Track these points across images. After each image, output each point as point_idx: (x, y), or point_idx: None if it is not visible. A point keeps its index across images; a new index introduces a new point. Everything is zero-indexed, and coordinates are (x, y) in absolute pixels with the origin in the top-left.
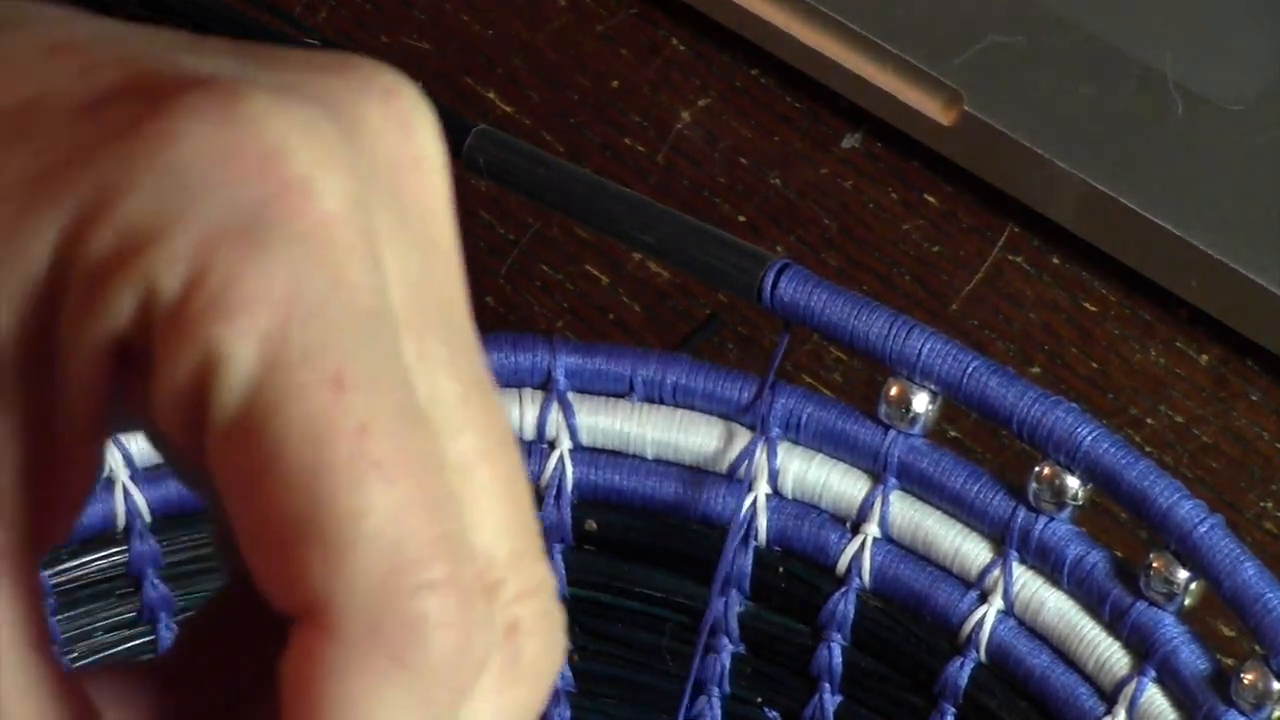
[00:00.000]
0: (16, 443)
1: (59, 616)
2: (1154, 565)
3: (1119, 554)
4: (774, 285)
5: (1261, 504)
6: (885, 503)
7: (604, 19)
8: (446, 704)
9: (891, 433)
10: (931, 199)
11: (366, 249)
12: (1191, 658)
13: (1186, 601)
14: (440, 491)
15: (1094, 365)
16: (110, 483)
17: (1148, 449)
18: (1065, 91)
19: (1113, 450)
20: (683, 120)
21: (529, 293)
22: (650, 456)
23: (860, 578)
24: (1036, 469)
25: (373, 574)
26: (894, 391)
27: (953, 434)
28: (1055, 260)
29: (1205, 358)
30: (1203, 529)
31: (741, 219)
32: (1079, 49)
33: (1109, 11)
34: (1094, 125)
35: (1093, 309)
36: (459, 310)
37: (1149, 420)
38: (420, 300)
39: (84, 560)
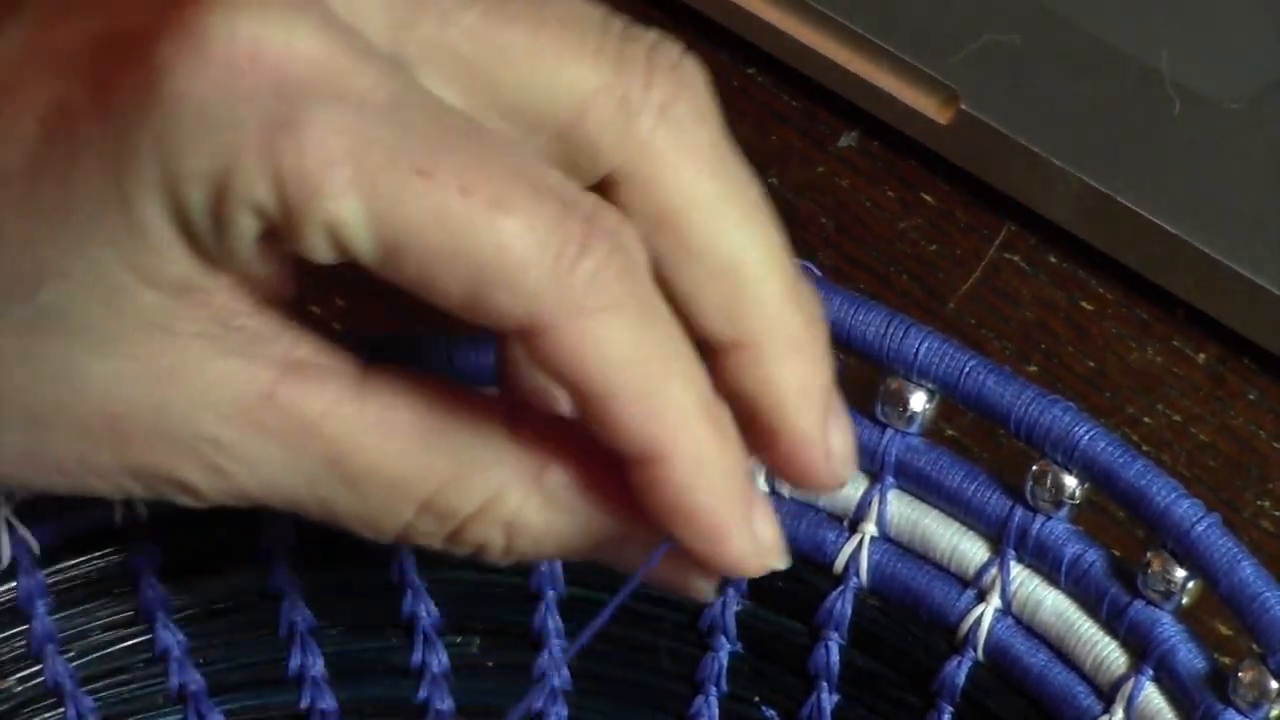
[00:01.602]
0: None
1: (55, 616)
2: (1151, 564)
3: (1117, 553)
4: None
5: (1259, 502)
6: (883, 501)
7: None
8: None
9: (889, 431)
10: (928, 198)
11: (354, 61)
12: (1189, 656)
13: (1184, 600)
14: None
15: (1091, 364)
16: None
17: (1145, 448)
18: (1062, 90)
19: (1110, 449)
20: None
21: None
22: None
23: (858, 576)
24: (1034, 468)
25: (542, 286)
26: (891, 390)
27: (950, 432)
28: (1052, 259)
29: (1202, 356)
30: (1200, 528)
31: None
32: (1076, 48)
33: (1106, 10)
34: (1091, 124)
35: (1090, 308)
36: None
37: (1146, 419)
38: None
39: (81, 559)
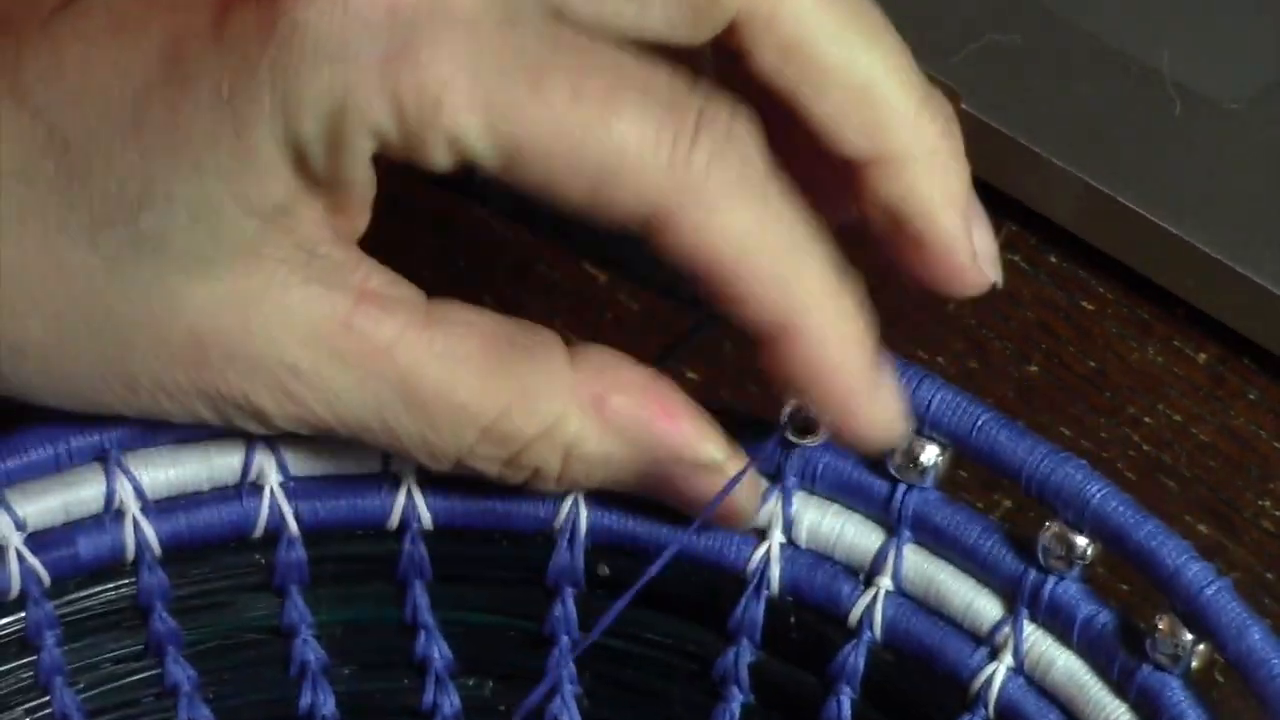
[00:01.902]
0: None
1: (65, 648)
2: (1160, 627)
3: (1132, 599)
4: None
5: (1259, 502)
6: (899, 556)
7: None
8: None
9: (903, 486)
10: None
11: None
12: None
13: (1193, 664)
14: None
15: (1092, 364)
16: (120, 514)
17: (1145, 447)
18: (1063, 90)
19: (1121, 509)
20: None
21: (527, 292)
22: (665, 502)
23: (872, 630)
24: (1045, 526)
25: (660, 179)
26: (903, 443)
27: (963, 474)
28: (1053, 259)
29: (1203, 356)
30: (1209, 591)
31: None
32: (1077, 48)
33: (1107, 10)
34: (1092, 124)
35: (1090, 307)
36: None
37: (1147, 419)
38: None
39: (92, 591)
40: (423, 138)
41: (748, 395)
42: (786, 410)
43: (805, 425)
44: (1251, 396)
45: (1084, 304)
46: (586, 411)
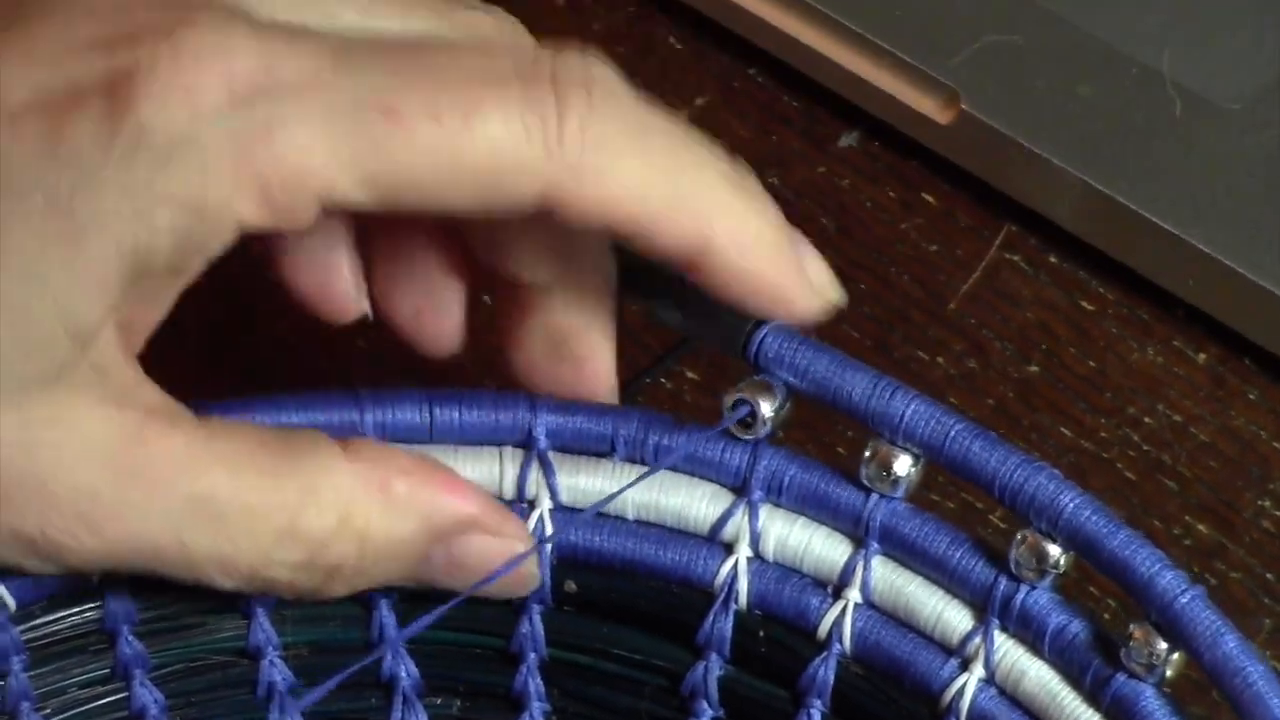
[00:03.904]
0: None
1: (31, 673)
2: (1134, 636)
3: (1111, 603)
4: (759, 345)
5: (1259, 503)
6: (867, 568)
7: (602, 17)
8: None
9: (874, 497)
10: (929, 198)
11: (289, 43)
12: None
13: (1168, 673)
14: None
15: (1091, 364)
16: None
17: (1145, 447)
18: (1063, 91)
19: (1094, 518)
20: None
21: None
22: (631, 517)
23: (841, 643)
24: (1018, 536)
25: (542, 163)
26: (876, 454)
27: (940, 478)
28: (1053, 259)
29: (1203, 357)
30: (1184, 600)
31: None
32: (1077, 48)
33: (1107, 10)
34: (1092, 124)
35: (1090, 308)
36: None
37: (1147, 419)
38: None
39: (58, 616)
40: (293, 209)
41: None
42: (728, 401)
43: (747, 421)
44: (1251, 396)
45: (1084, 304)
46: (374, 496)
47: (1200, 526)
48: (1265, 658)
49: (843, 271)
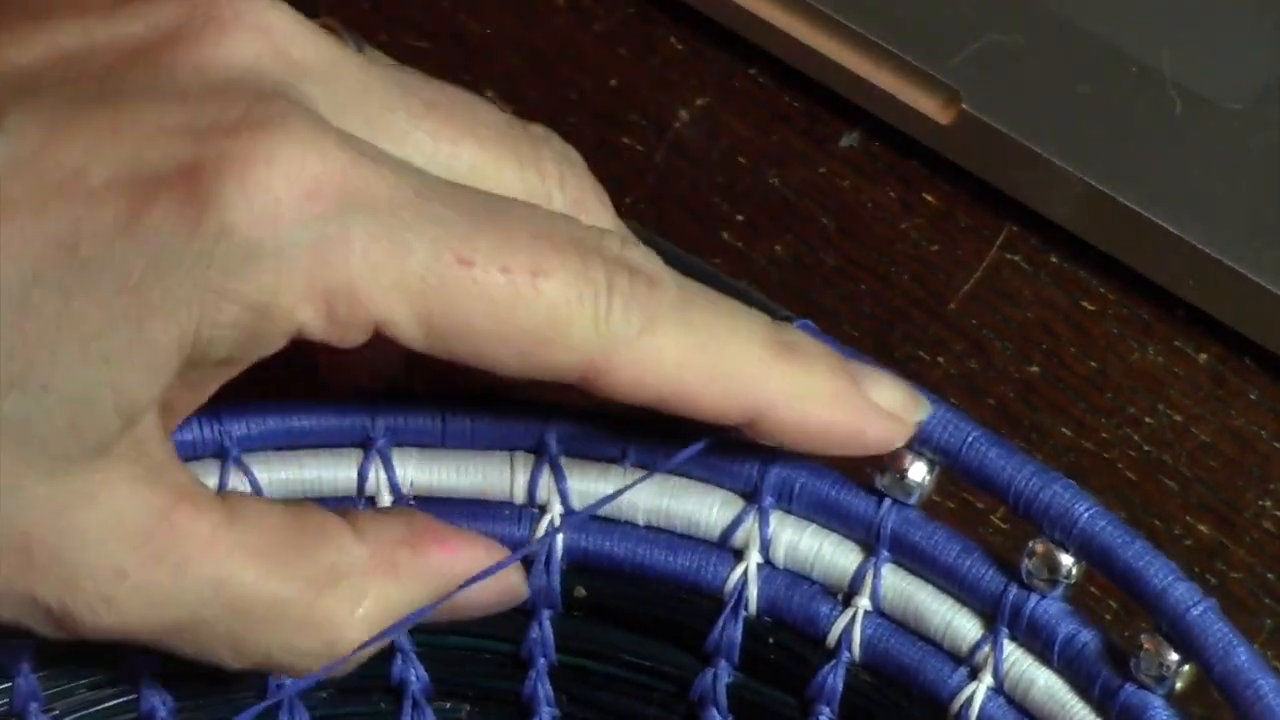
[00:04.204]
0: None
1: (40, 674)
2: (1145, 647)
3: (1112, 604)
4: None
5: (1260, 503)
6: (877, 575)
7: (602, 18)
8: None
9: (885, 504)
10: (930, 198)
11: (375, 167)
12: None
13: (1177, 684)
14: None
15: (1092, 364)
16: None
17: (1146, 447)
18: (1063, 90)
19: (1108, 529)
20: (680, 119)
21: None
22: (641, 523)
23: (850, 650)
24: (1031, 544)
25: (589, 335)
26: (891, 459)
27: (941, 478)
28: (1053, 259)
29: (1203, 356)
30: (1195, 612)
31: (740, 218)
32: (1077, 48)
33: (1107, 10)
34: (1092, 124)
35: (1091, 308)
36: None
37: (1147, 419)
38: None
39: None
40: (349, 327)
41: None
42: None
43: None
44: (1252, 396)
45: (1084, 304)
46: (386, 576)
47: (1200, 526)
48: (1268, 659)
49: (843, 271)
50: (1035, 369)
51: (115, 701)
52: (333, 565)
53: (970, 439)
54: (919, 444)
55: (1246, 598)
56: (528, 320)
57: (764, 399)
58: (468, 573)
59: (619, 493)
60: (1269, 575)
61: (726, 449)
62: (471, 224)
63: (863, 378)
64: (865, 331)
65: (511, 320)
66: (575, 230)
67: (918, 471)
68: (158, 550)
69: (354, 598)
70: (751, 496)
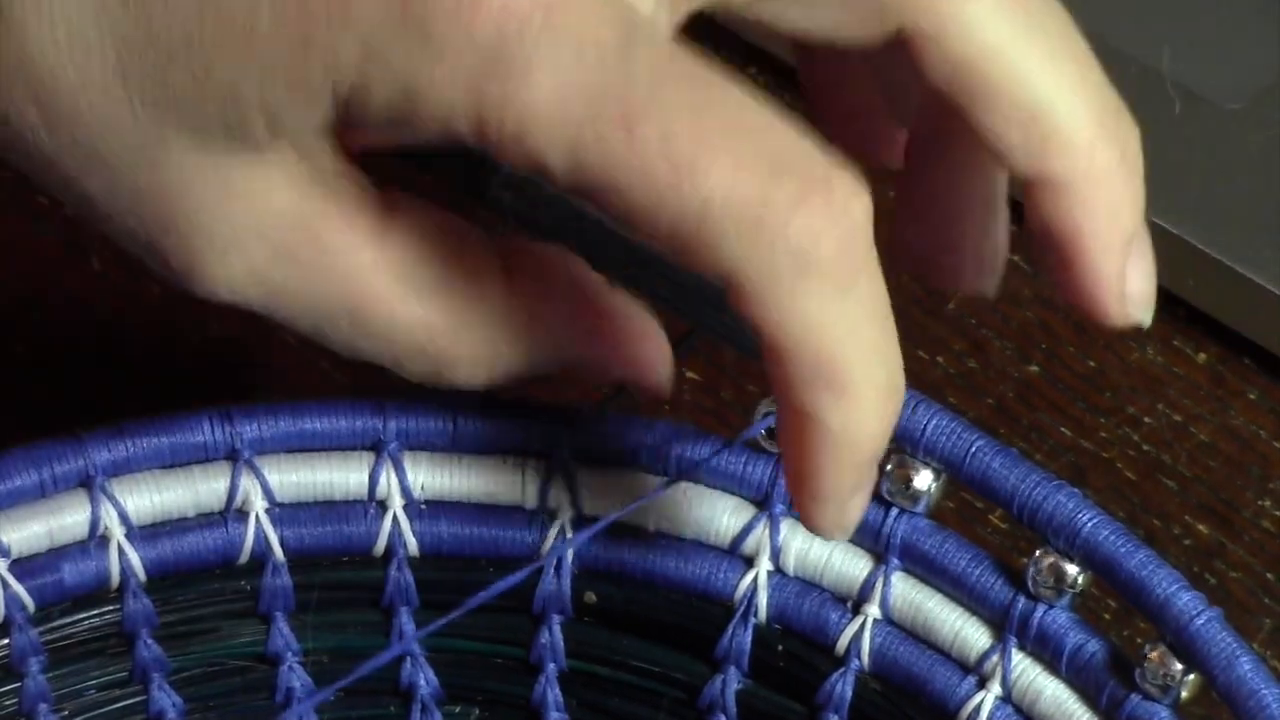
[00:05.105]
0: None
1: (49, 674)
2: (1150, 657)
3: (1111, 603)
4: None
5: (1259, 502)
6: (887, 583)
7: None
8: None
9: (894, 512)
10: None
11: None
12: None
13: (1183, 694)
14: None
15: (1091, 364)
16: (105, 540)
17: (1146, 447)
18: None
19: (1112, 538)
20: None
21: None
22: (652, 529)
23: (859, 659)
24: (1036, 554)
25: (740, 250)
26: (897, 468)
27: (978, 505)
28: None
29: (1203, 356)
30: (1199, 622)
31: None
32: None
33: (1107, 10)
34: None
35: None
36: None
37: (1147, 419)
38: None
39: (77, 618)
40: (498, 150)
41: (748, 395)
42: (759, 411)
43: (773, 430)
44: (1251, 396)
45: None
46: (515, 336)
47: (1200, 526)
48: (1265, 658)
49: None
50: (1034, 368)
51: (125, 703)
52: (468, 315)
53: (974, 448)
54: (924, 453)
55: (1245, 597)
56: (677, 209)
57: (829, 424)
58: (599, 360)
59: (631, 508)
60: (1268, 575)
61: (739, 456)
62: (658, 89)
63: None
64: None
65: (661, 203)
66: (797, 155)
67: (923, 480)
68: (292, 251)
69: (476, 353)
70: (762, 503)
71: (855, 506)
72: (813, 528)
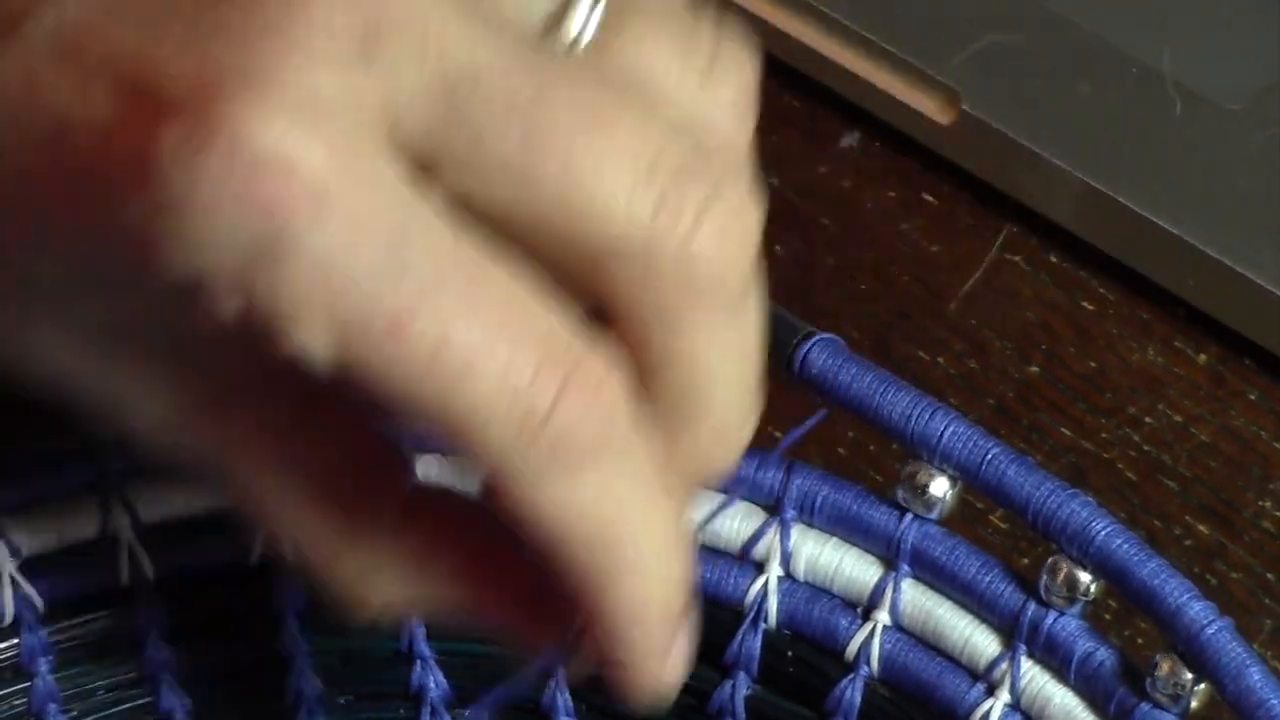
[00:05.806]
0: None
1: (59, 675)
2: (1160, 666)
3: (1112, 604)
4: (804, 358)
5: (1260, 503)
6: (897, 589)
7: None
8: None
9: (906, 518)
10: (930, 198)
11: (360, 186)
12: None
13: (1192, 704)
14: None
15: (1092, 364)
16: (114, 542)
17: (1146, 447)
18: (1064, 91)
19: (1124, 547)
20: None
21: None
22: None
23: (869, 665)
24: (1049, 562)
25: (504, 447)
26: (912, 474)
27: (979, 505)
28: (1053, 259)
29: (1203, 357)
30: (1210, 631)
31: None
32: (1077, 48)
33: (1107, 10)
34: (1092, 124)
35: (1091, 308)
36: None
37: (1147, 419)
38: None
39: (86, 618)
40: (265, 337)
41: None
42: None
43: None
44: (1251, 396)
45: (1084, 304)
46: (411, 581)
47: (1200, 526)
48: (1265, 658)
49: (843, 271)
50: (1035, 369)
51: (134, 704)
52: (367, 565)
53: (990, 456)
54: (940, 460)
55: (1246, 598)
56: (442, 406)
57: (607, 603)
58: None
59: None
60: (1268, 575)
61: (750, 461)
62: (431, 284)
63: (676, 643)
64: (865, 332)
65: (426, 398)
66: (560, 338)
67: (939, 487)
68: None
69: (380, 600)
70: (774, 509)
71: (677, 662)
72: (634, 692)
